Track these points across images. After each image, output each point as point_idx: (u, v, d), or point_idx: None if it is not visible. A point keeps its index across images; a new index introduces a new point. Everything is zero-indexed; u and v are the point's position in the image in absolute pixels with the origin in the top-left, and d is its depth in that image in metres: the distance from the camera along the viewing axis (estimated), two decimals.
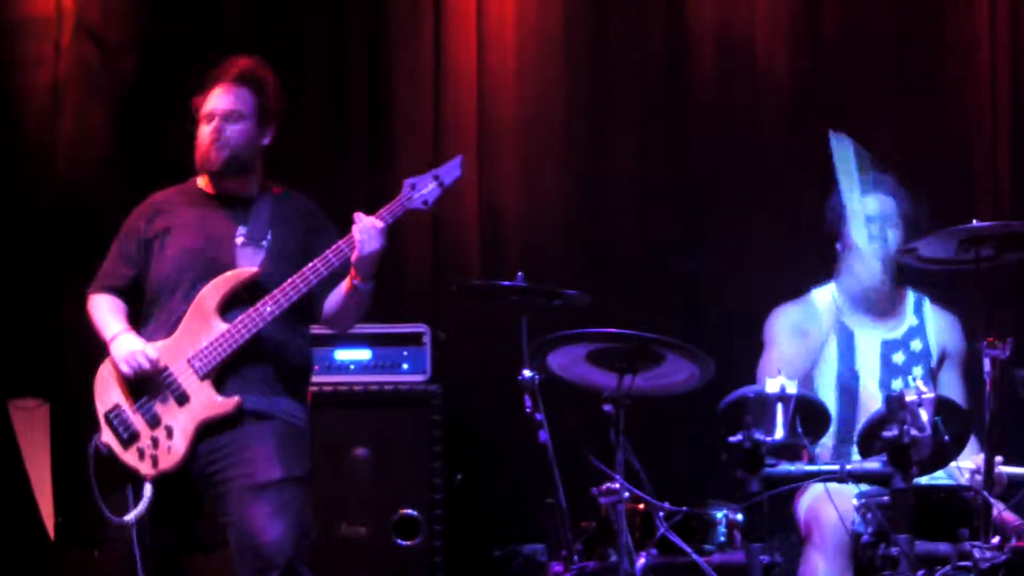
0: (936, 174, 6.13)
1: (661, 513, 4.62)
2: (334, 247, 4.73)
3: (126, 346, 4.72)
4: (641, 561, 4.53)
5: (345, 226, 4.77)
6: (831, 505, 4.62)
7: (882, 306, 5.18)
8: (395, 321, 6.13)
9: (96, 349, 5.31)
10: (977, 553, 4.24)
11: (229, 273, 4.74)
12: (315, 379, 5.83)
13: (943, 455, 4.37)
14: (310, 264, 4.71)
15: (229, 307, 4.72)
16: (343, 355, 6.07)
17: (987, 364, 4.43)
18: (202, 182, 4.92)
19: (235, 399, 4.66)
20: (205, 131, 4.83)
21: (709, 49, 6.61)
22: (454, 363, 6.24)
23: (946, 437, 4.31)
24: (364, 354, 6.07)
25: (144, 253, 4.85)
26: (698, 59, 6.62)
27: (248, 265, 4.75)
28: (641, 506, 4.68)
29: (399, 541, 5.91)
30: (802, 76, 6.52)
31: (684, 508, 4.64)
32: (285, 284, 4.69)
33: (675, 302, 6.45)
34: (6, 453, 6.44)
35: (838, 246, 5.20)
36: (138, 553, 4.63)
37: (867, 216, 5.08)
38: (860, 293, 5.15)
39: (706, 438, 4.75)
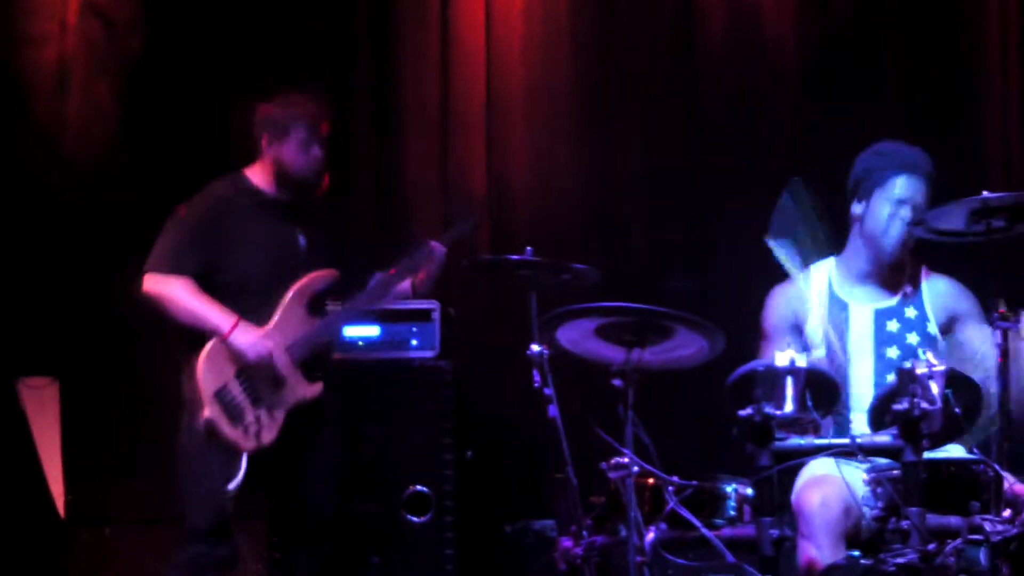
0: (946, 144, 6.09)
1: (671, 487, 4.61)
2: (412, 259, 5.42)
3: (251, 335, 5.21)
4: (651, 535, 4.53)
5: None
6: (814, 491, 4.60)
7: (883, 276, 5.13)
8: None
9: (114, 326, 5.38)
10: (988, 526, 4.21)
11: (316, 274, 5.33)
12: None
13: (954, 428, 4.35)
14: (391, 273, 5.39)
15: (313, 304, 5.33)
16: (352, 332, 6.05)
17: (998, 336, 4.41)
18: (259, 181, 5.38)
19: (320, 384, 5.29)
20: (314, 154, 5.38)
21: (717, 22, 6.59)
22: (464, 339, 6.22)
23: (957, 410, 4.29)
24: (373, 331, 6.06)
25: (216, 249, 5.27)
26: (706, 33, 6.60)
27: (313, 266, 5.33)
28: (651, 480, 4.67)
29: (410, 518, 5.90)
30: (811, 49, 6.49)
31: (694, 482, 4.64)
32: (371, 289, 5.37)
33: (685, 277, 6.43)
34: (16, 432, 6.44)
35: (855, 207, 5.12)
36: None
37: (897, 198, 5.03)
38: (866, 263, 5.11)
39: (716, 412, 4.73)
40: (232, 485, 5.11)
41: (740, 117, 6.55)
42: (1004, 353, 4.41)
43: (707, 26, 6.59)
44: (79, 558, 6.28)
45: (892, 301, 5.11)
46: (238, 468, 5.12)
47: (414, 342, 6.04)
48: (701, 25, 6.60)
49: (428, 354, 6.03)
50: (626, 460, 4.49)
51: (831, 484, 4.56)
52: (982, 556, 4.29)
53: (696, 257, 6.51)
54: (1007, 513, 4.25)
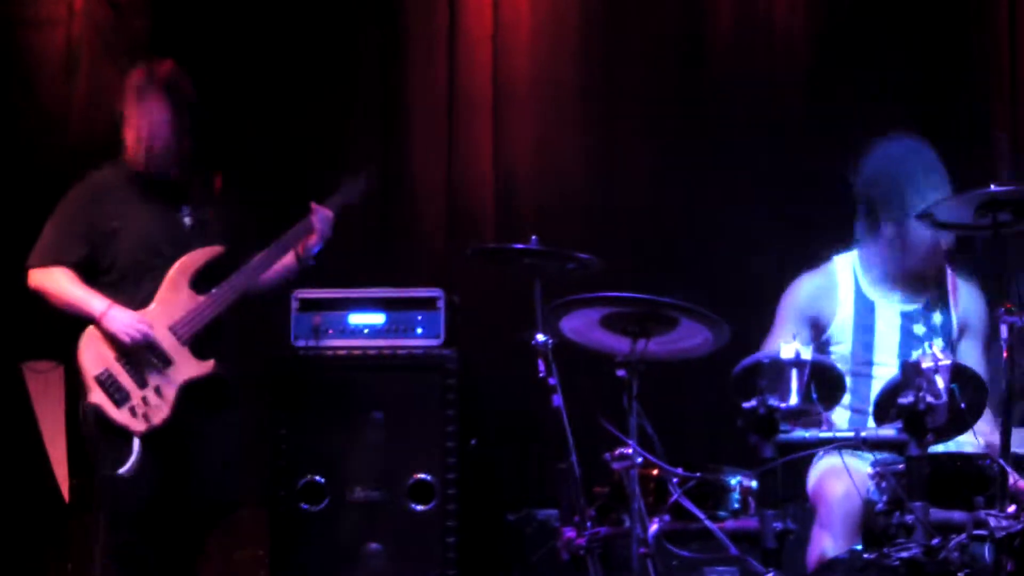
0: (954, 137, 6.08)
1: (675, 479, 4.59)
2: (294, 231, 5.44)
3: (124, 318, 5.27)
4: (654, 527, 4.50)
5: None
6: (837, 480, 4.59)
7: (908, 278, 5.10)
8: (409, 285, 6.11)
9: None
10: (993, 521, 4.20)
11: (198, 251, 5.34)
12: (329, 343, 5.93)
13: (959, 422, 4.33)
14: (273, 246, 5.41)
15: (198, 281, 5.33)
16: (357, 319, 6.04)
17: (1004, 331, 4.39)
18: (134, 162, 5.37)
19: (211, 362, 5.30)
20: (141, 134, 5.33)
21: (727, 13, 6.57)
22: (468, 327, 6.20)
23: (962, 404, 4.27)
24: (378, 318, 6.05)
25: (97, 234, 5.33)
26: (715, 20, 6.57)
27: (199, 244, 5.35)
28: (655, 472, 4.64)
29: (413, 506, 5.89)
30: (819, 39, 6.46)
31: (698, 474, 4.61)
32: (253, 262, 5.38)
33: (690, 268, 6.42)
34: (20, 416, 6.44)
35: (867, 221, 5.10)
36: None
37: (914, 211, 4.97)
38: (891, 267, 5.07)
39: (721, 404, 4.72)
40: (123, 470, 5.14)
41: (748, 108, 6.53)
42: (1010, 348, 4.39)
43: (716, 16, 6.57)
44: (82, 543, 6.26)
45: (918, 304, 5.09)
46: (130, 452, 5.16)
47: (419, 330, 6.03)
48: (710, 15, 6.58)
49: (433, 342, 6.01)
50: (630, 451, 4.47)
51: (852, 474, 4.54)
52: (986, 551, 4.28)
53: (702, 247, 6.49)
54: (1012, 508, 4.24)
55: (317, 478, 5.88)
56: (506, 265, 5.26)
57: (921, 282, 5.09)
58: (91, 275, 5.33)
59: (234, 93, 6.54)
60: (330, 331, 6.00)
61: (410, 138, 6.81)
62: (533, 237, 4.86)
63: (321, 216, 5.45)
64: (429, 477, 5.88)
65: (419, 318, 6.03)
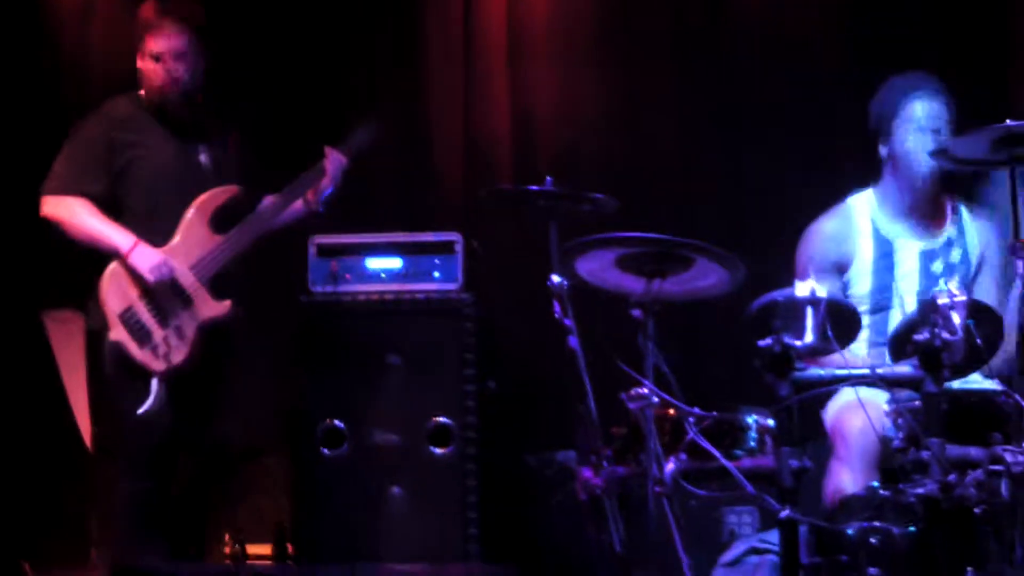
0: (971, 73, 6.04)
1: (691, 418, 4.59)
2: (305, 176, 5.41)
3: (150, 255, 5.22)
4: (670, 466, 4.51)
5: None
6: (855, 415, 4.60)
7: (923, 213, 5.11)
8: (427, 231, 6.11)
9: None
10: (1009, 457, 4.19)
11: (217, 190, 5.32)
12: (346, 288, 5.93)
13: (975, 358, 4.32)
14: (286, 190, 5.39)
15: (215, 221, 5.31)
16: (374, 264, 6.04)
17: (1019, 266, 4.38)
18: (150, 96, 5.34)
19: (228, 303, 5.30)
20: (156, 69, 5.31)
21: None
22: (486, 271, 6.20)
23: (978, 340, 4.26)
24: (395, 263, 6.05)
25: (114, 165, 5.28)
26: None
27: (215, 183, 5.33)
28: (671, 411, 4.65)
29: (432, 449, 5.91)
30: None
31: (714, 413, 4.61)
32: (267, 205, 5.38)
33: (708, 209, 6.40)
34: (42, 364, 6.47)
35: (882, 149, 5.11)
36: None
37: (918, 123, 4.99)
38: (903, 199, 5.08)
39: (737, 344, 4.71)
40: (143, 409, 5.14)
41: (772, 50, 6.49)
42: None
43: None
44: (104, 490, 6.29)
45: (937, 242, 5.10)
46: (148, 392, 5.15)
47: (436, 274, 6.02)
48: None
49: (451, 286, 6.01)
50: (646, 391, 4.48)
51: (869, 411, 4.54)
52: (1003, 487, 4.27)
53: (722, 189, 6.47)
54: None
55: (337, 423, 5.89)
56: (522, 207, 5.24)
57: (937, 210, 5.08)
58: (108, 208, 5.28)
59: (249, 37, 6.52)
60: (348, 276, 6.00)
61: (427, 83, 6.79)
62: (548, 178, 4.85)
63: (334, 161, 5.42)
64: (448, 420, 5.89)
65: (437, 262, 6.03)
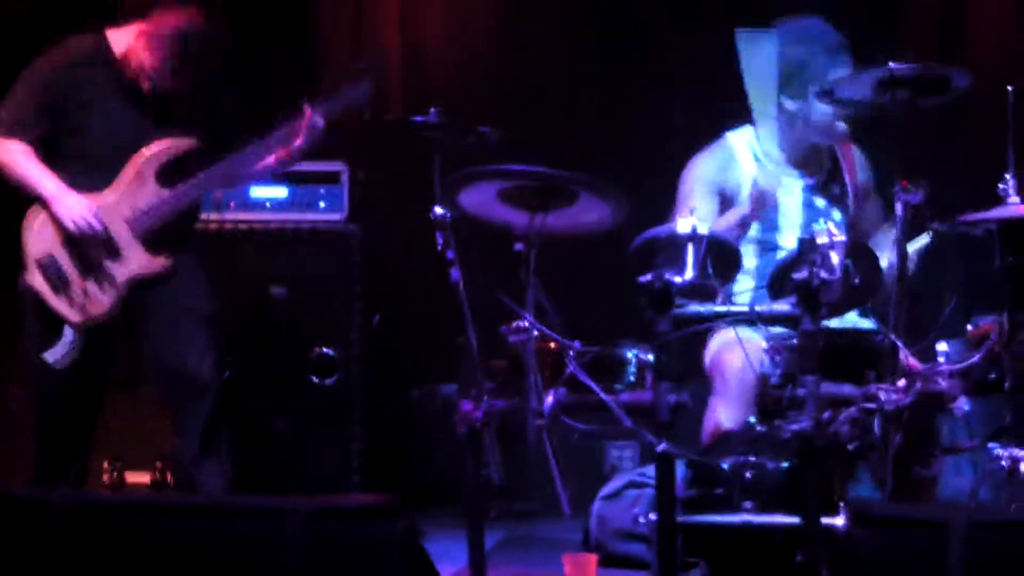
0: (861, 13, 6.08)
1: (571, 352, 4.60)
2: (277, 135, 5.15)
3: (73, 204, 5.06)
4: (550, 399, 4.51)
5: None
6: (734, 353, 4.63)
7: (807, 154, 5.14)
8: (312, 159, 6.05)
9: None
10: (883, 395, 4.26)
11: (168, 141, 5.11)
12: (231, 216, 5.87)
13: (853, 298, 4.37)
14: (251, 147, 5.14)
15: (164, 174, 5.10)
16: (259, 192, 5.99)
17: (899, 208, 4.43)
18: (120, 52, 5.12)
19: (165, 261, 5.11)
20: (156, 55, 5.10)
21: None
22: (372, 203, 6.16)
23: (856, 280, 4.30)
24: (280, 192, 5.99)
25: (64, 113, 5.09)
26: None
27: (170, 137, 5.11)
28: (552, 345, 4.64)
29: (316, 379, 5.88)
30: None
31: (595, 348, 4.63)
32: (227, 160, 5.12)
33: (597, 144, 6.41)
34: None
35: (786, 104, 5.07)
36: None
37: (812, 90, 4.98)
38: (787, 143, 5.10)
39: (620, 280, 4.72)
40: (51, 357, 5.04)
41: None
42: (904, 226, 4.43)
43: None
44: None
45: (817, 177, 5.12)
46: (57, 339, 5.04)
47: (322, 204, 5.98)
48: None
49: (336, 216, 5.97)
50: (527, 324, 4.47)
51: (748, 348, 4.58)
52: (876, 424, 4.34)
53: (609, 121, 6.48)
54: (901, 383, 4.30)
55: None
56: (407, 138, 5.21)
57: (817, 157, 5.13)
58: (51, 157, 5.11)
59: None
60: (232, 204, 5.94)
61: (317, 10, 6.72)
62: (432, 110, 4.82)
63: (312, 123, 5.19)
64: (331, 351, 5.87)
65: (322, 192, 5.99)
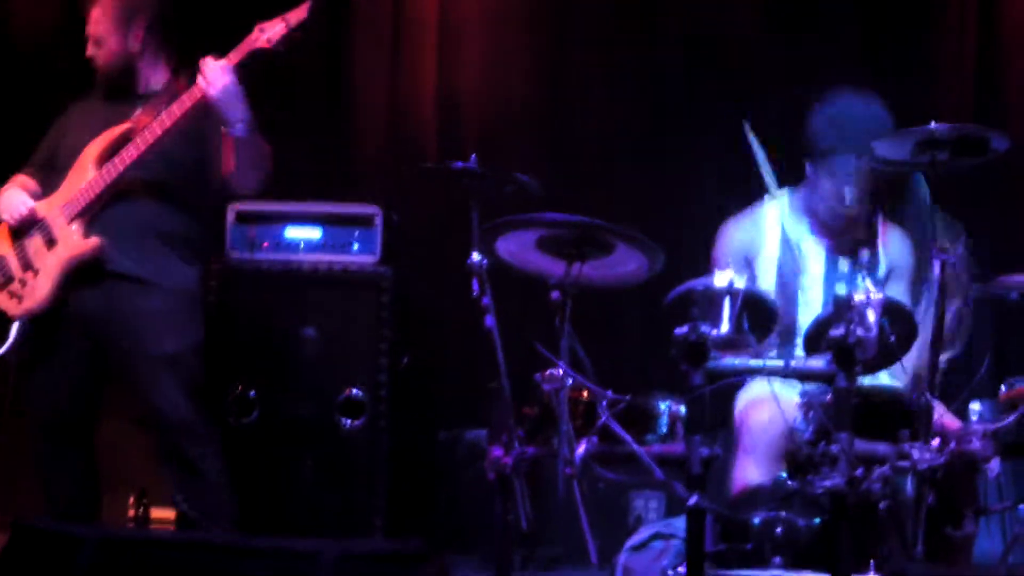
0: (899, 73, 6.09)
1: (604, 402, 4.60)
2: (181, 97, 5.08)
3: (8, 197, 5.24)
4: (581, 448, 4.51)
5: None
6: (762, 408, 4.63)
7: (838, 230, 5.13)
8: (347, 200, 6.08)
9: None
10: (916, 454, 4.26)
11: (106, 131, 5.18)
12: (264, 256, 5.89)
13: (888, 356, 4.37)
14: (165, 112, 5.08)
15: (104, 159, 5.16)
16: (293, 233, 5.99)
17: (936, 268, 4.44)
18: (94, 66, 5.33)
19: (95, 240, 5.11)
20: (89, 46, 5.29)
21: None
22: (406, 247, 6.17)
23: (892, 338, 4.30)
24: (314, 233, 6.00)
25: (54, 141, 5.36)
26: None
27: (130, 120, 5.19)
28: (584, 394, 4.65)
29: (343, 421, 5.88)
30: None
31: (627, 397, 4.62)
32: (144, 133, 5.10)
33: (633, 196, 6.42)
34: None
35: (808, 166, 5.09)
36: None
37: (844, 178, 4.98)
38: (817, 215, 5.10)
39: (654, 331, 4.72)
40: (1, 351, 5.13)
41: (699, 43, 6.51)
42: (941, 286, 4.44)
43: None
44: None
45: (846, 243, 5.12)
46: (7, 335, 5.15)
47: (355, 246, 5.98)
48: None
49: (369, 259, 5.98)
50: (560, 372, 4.48)
51: (775, 404, 4.57)
52: (908, 484, 4.33)
53: (646, 174, 6.49)
54: (935, 442, 4.29)
55: (247, 391, 5.85)
56: (444, 185, 5.24)
57: (851, 226, 5.11)
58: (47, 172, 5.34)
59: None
60: (265, 244, 5.95)
61: (353, 55, 6.75)
62: (472, 156, 4.84)
63: (211, 74, 5.03)
64: (360, 393, 5.87)
65: (356, 235, 5.98)
